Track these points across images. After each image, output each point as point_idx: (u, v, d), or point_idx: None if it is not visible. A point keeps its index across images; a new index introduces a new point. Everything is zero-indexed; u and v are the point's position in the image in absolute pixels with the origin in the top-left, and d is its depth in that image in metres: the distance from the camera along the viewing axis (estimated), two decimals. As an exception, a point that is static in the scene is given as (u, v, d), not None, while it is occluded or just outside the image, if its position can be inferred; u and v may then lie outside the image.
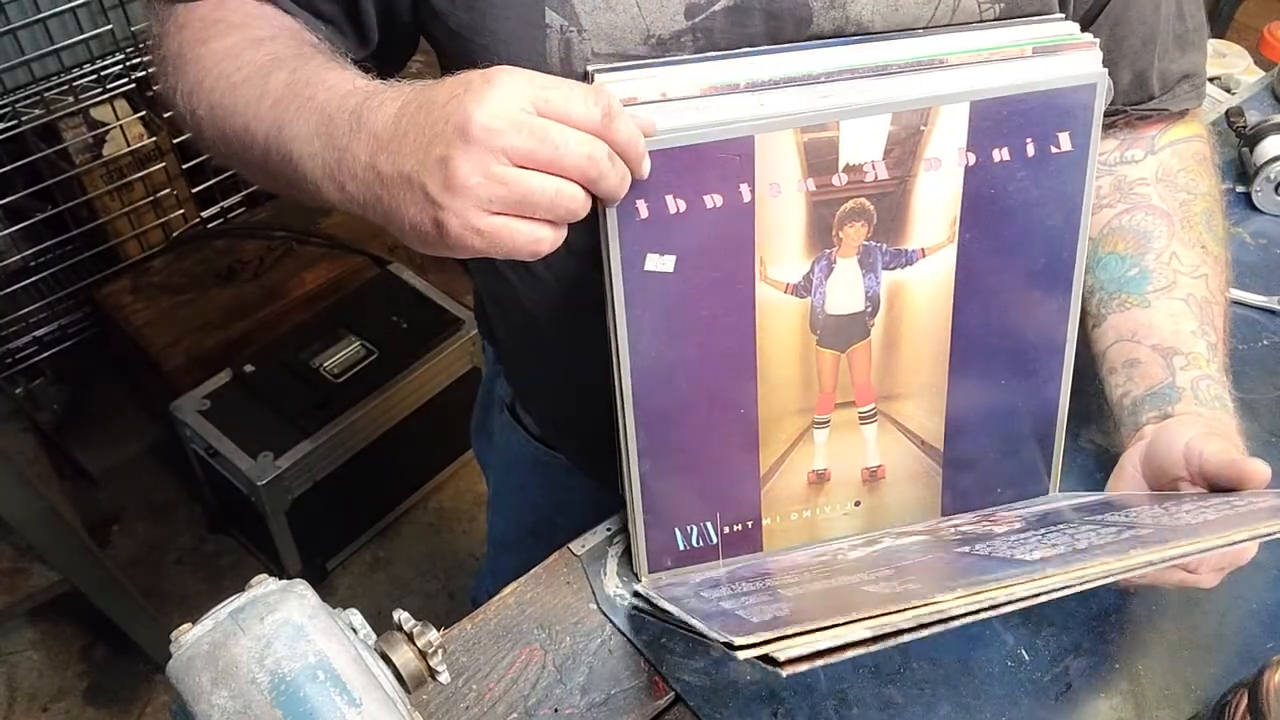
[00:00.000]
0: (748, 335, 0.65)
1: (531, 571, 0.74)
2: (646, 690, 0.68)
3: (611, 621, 0.71)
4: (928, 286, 0.67)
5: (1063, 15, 0.67)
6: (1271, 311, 0.94)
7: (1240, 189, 1.06)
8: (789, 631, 0.46)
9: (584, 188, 0.52)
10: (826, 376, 0.68)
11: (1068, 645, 0.71)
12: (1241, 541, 0.54)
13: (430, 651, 0.53)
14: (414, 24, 0.69)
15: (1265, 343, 0.91)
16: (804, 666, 0.45)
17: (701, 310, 0.64)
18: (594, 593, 0.72)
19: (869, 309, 0.66)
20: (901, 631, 0.47)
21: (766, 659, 0.46)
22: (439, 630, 0.54)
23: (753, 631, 0.47)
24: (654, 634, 0.70)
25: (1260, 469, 0.62)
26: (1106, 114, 0.75)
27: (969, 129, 0.62)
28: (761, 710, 0.67)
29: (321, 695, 0.46)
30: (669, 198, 0.60)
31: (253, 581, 0.51)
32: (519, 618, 0.72)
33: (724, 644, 0.48)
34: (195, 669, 0.47)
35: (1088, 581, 0.51)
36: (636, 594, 0.71)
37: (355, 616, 0.53)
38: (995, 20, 0.66)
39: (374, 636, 0.53)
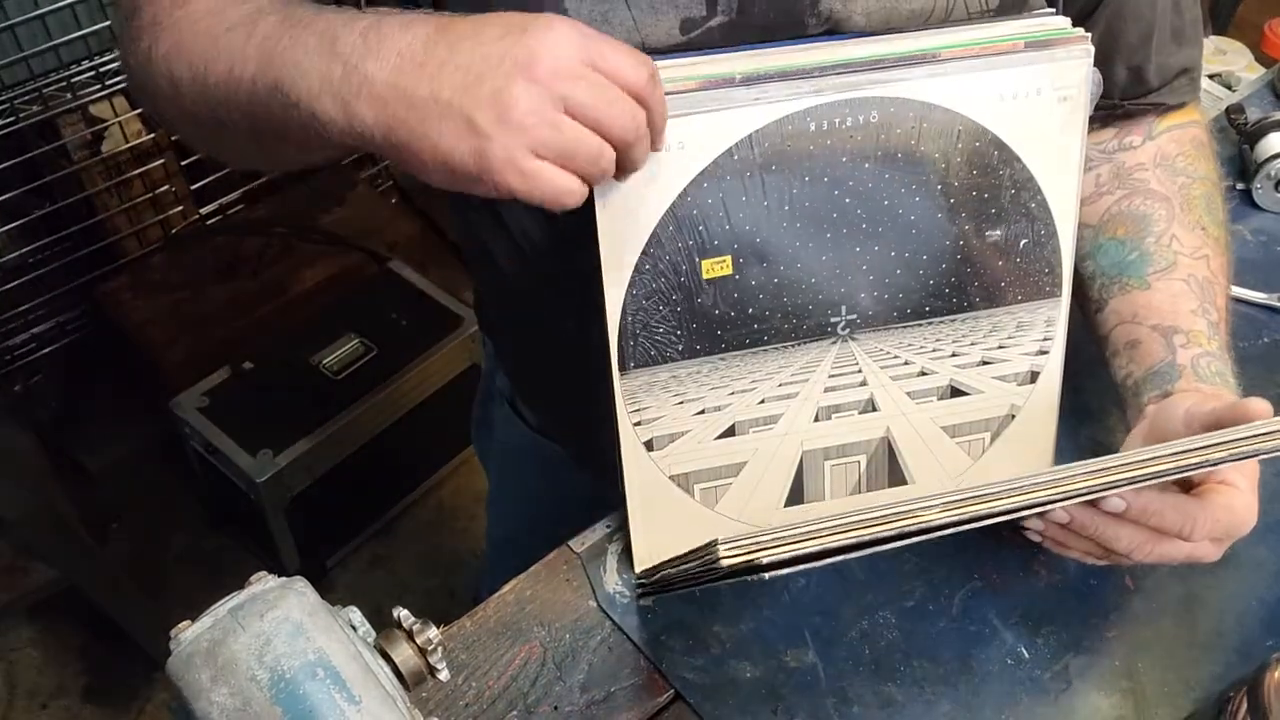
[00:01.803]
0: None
1: (531, 569, 0.74)
2: (646, 687, 0.68)
3: (611, 619, 0.71)
4: None
5: (1054, 10, 0.68)
6: (1272, 309, 0.94)
7: (1240, 186, 1.06)
8: (771, 536, 0.47)
9: (618, 151, 0.53)
10: None
11: (1067, 643, 0.71)
12: (1221, 457, 0.53)
13: (430, 649, 0.53)
14: None
15: (1266, 340, 0.91)
16: (785, 570, 0.46)
17: None
18: (594, 590, 0.72)
19: None
20: (882, 540, 0.47)
21: (749, 565, 0.46)
22: (438, 627, 0.54)
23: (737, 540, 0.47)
24: (654, 631, 0.70)
25: (1262, 403, 0.61)
26: (1103, 107, 0.75)
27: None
28: (761, 707, 0.67)
29: (321, 692, 0.46)
30: None
31: (252, 579, 0.51)
32: (519, 615, 0.71)
33: (707, 554, 0.48)
34: (194, 666, 0.47)
35: (1072, 495, 0.50)
36: (639, 583, 0.71)
37: (355, 614, 0.53)
38: (988, 18, 0.66)
39: (373, 634, 0.53)
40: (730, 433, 0.69)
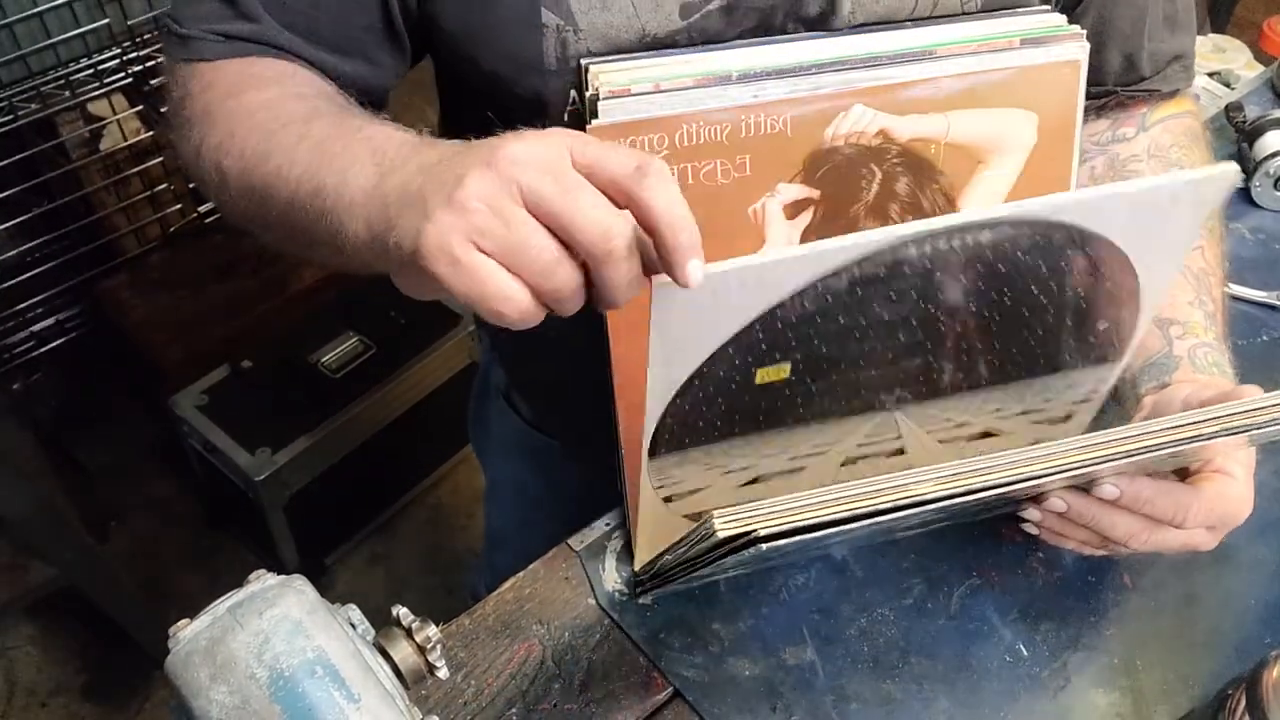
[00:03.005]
0: None
1: (530, 567, 0.74)
2: (645, 685, 0.68)
3: (610, 617, 0.71)
4: None
5: (1047, 6, 0.68)
6: (1270, 306, 0.94)
7: (1239, 184, 1.06)
8: (767, 510, 0.46)
9: (589, 266, 0.46)
10: None
11: (1066, 641, 0.71)
12: (1213, 431, 0.52)
13: (429, 647, 0.53)
14: (415, 26, 0.68)
15: (1264, 338, 0.91)
16: (781, 542, 0.46)
17: None
18: (593, 588, 0.72)
19: None
20: (879, 513, 0.47)
21: (745, 539, 0.46)
22: (438, 626, 0.54)
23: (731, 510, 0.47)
24: (653, 629, 0.70)
25: (1257, 390, 0.61)
26: (1096, 95, 0.75)
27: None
28: (760, 705, 0.67)
29: (320, 691, 0.46)
30: None
31: (251, 577, 0.51)
32: (518, 613, 0.71)
33: (705, 531, 0.48)
34: (193, 664, 0.47)
35: (1065, 471, 0.50)
36: (638, 579, 0.71)
37: (354, 612, 0.53)
38: (978, 11, 0.66)
39: (372, 632, 0.53)
40: (754, 482, 0.65)
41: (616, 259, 0.44)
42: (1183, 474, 0.63)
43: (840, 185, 0.65)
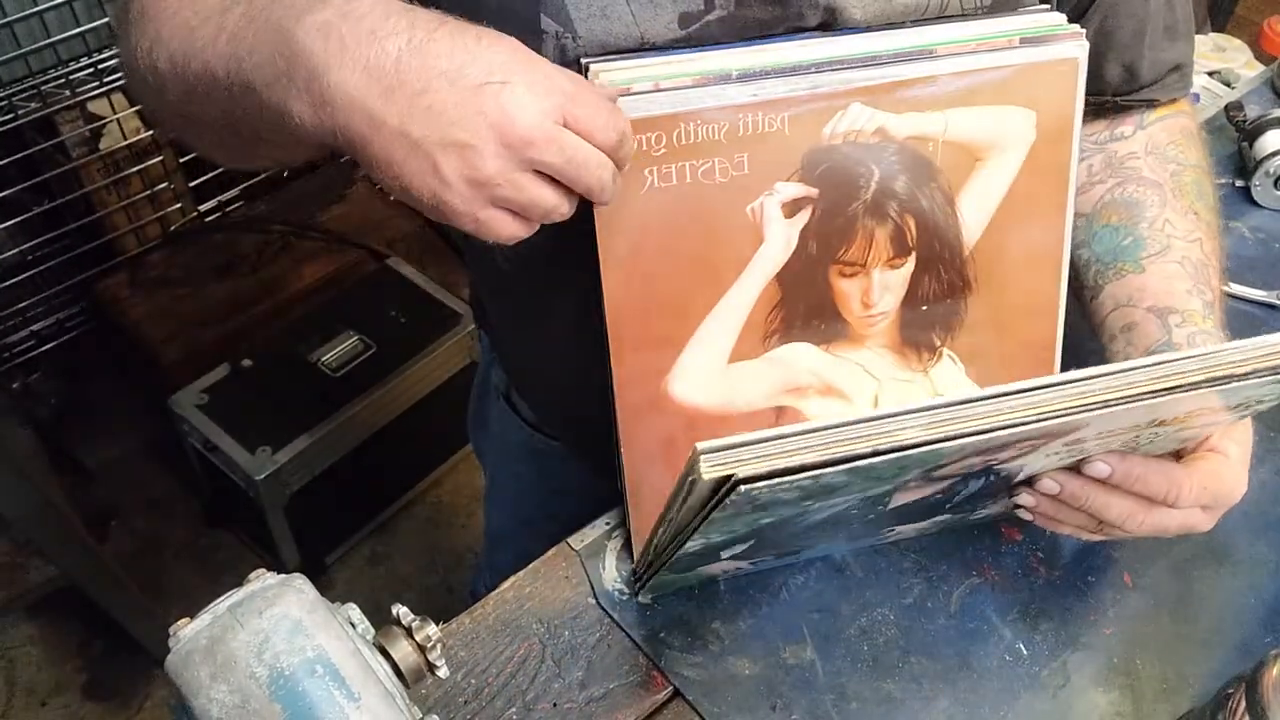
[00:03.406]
0: None
1: (530, 566, 0.74)
2: (645, 685, 0.68)
3: (610, 616, 0.71)
4: None
5: (1049, 6, 0.68)
6: (1271, 306, 0.94)
7: (1240, 184, 1.06)
8: (751, 445, 0.46)
9: (584, 196, 0.55)
10: None
11: (1066, 640, 0.71)
12: (1195, 368, 0.51)
13: (429, 646, 0.53)
14: None
15: (1264, 337, 0.91)
16: (761, 484, 0.46)
17: None
18: (593, 587, 0.72)
19: None
20: (858, 456, 0.47)
21: (728, 482, 0.46)
22: (438, 625, 0.54)
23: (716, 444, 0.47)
24: (652, 629, 0.70)
25: None
26: (1095, 103, 0.75)
27: None
28: (760, 704, 0.67)
29: (320, 690, 0.46)
30: None
31: (251, 576, 0.51)
32: (518, 612, 0.71)
33: (689, 470, 0.48)
34: (194, 663, 0.47)
35: (1050, 416, 0.49)
36: (635, 574, 0.71)
37: (354, 611, 0.53)
38: (977, 10, 0.66)
39: (372, 631, 0.53)
40: None
41: (608, 190, 0.55)
42: (1178, 457, 0.63)
43: (838, 183, 0.65)
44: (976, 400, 0.49)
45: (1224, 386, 0.51)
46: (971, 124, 0.66)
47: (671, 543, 0.59)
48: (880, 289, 0.69)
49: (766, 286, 0.67)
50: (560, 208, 0.54)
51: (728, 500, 0.48)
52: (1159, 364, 0.51)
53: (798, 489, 0.49)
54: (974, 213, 0.69)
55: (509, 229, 0.53)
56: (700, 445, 0.46)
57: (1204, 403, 0.54)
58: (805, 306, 0.68)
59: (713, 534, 0.56)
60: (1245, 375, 0.51)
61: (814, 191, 0.65)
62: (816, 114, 0.63)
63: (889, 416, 0.48)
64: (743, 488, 0.46)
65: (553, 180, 0.52)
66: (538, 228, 0.55)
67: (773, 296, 0.67)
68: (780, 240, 0.66)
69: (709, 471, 0.46)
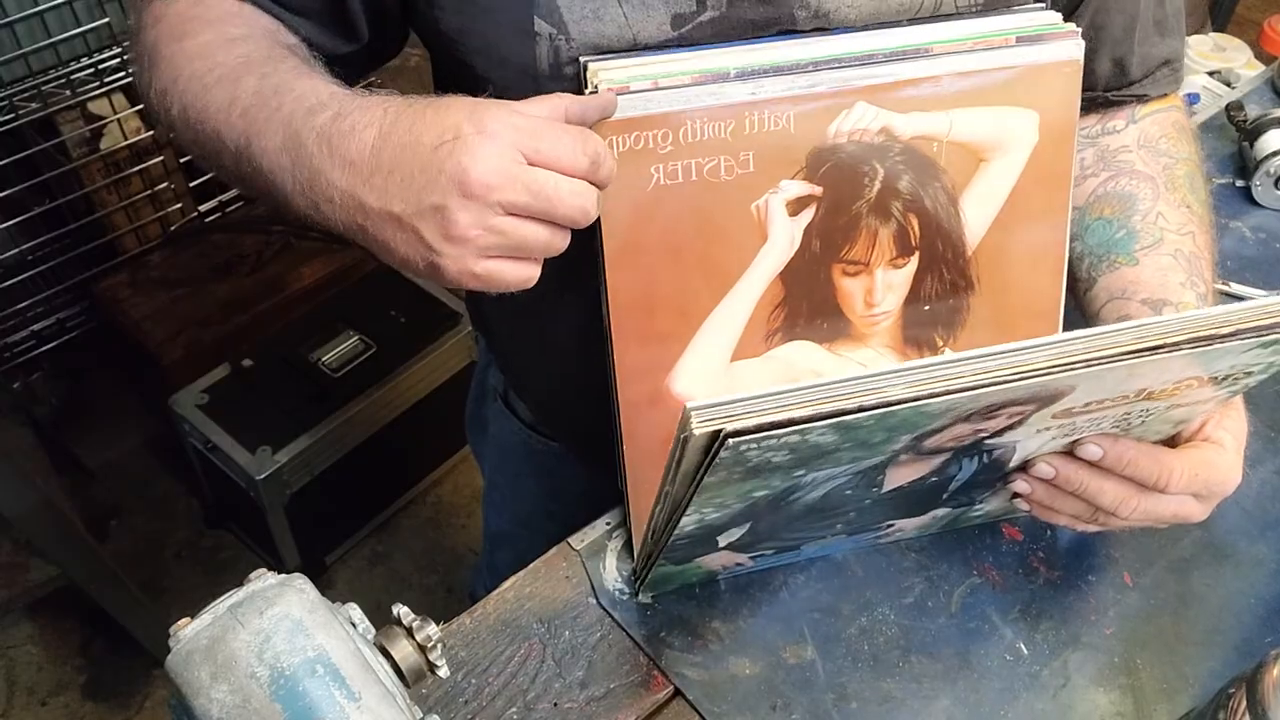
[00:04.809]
0: None
1: (530, 566, 0.74)
2: (645, 684, 0.68)
3: (611, 616, 0.71)
4: None
5: (1044, 5, 0.68)
6: (1271, 306, 0.94)
7: (1240, 183, 1.06)
8: (741, 404, 0.47)
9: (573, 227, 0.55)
10: None
11: (1066, 639, 0.71)
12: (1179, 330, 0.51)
13: (429, 646, 0.53)
14: (403, 21, 0.68)
15: (1264, 337, 0.91)
16: (750, 438, 0.47)
17: None
18: (593, 587, 0.72)
19: None
20: (844, 411, 0.48)
21: (717, 439, 0.47)
22: (438, 625, 0.54)
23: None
24: (653, 628, 0.70)
25: None
26: (1086, 98, 0.76)
27: None
28: (760, 704, 0.67)
29: (320, 689, 0.46)
30: None
31: (251, 576, 0.51)
32: (518, 612, 0.71)
33: (682, 431, 0.48)
34: (194, 663, 0.47)
35: (1031, 374, 0.49)
36: (635, 574, 0.71)
37: (354, 611, 0.53)
38: (972, 10, 0.67)
39: (373, 631, 0.53)
40: None
41: (591, 215, 0.55)
42: (1173, 445, 0.64)
43: (843, 182, 0.65)
44: (961, 360, 0.49)
45: (1207, 348, 0.51)
46: (976, 124, 0.66)
47: (669, 522, 0.59)
48: (883, 288, 0.69)
49: (770, 285, 0.67)
50: (554, 242, 0.54)
51: (719, 459, 0.48)
52: (1142, 325, 0.51)
53: (787, 448, 0.50)
54: (977, 213, 0.69)
55: (513, 274, 0.54)
56: (690, 404, 0.47)
57: (1190, 370, 0.54)
58: (808, 305, 0.68)
59: (707, 509, 0.56)
60: (1228, 336, 0.51)
61: (818, 190, 0.65)
62: (822, 112, 0.63)
63: (875, 375, 0.48)
64: (732, 441, 0.47)
65: (535, 217, 0.53)
66: (543, 265, 0.56)
67: (776, 295, 0.67)
68: (784, 238, 0.66)
69: (700, 427, 0.47)
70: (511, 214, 0.52)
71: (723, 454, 0.48)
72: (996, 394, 0.50)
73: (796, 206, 0.65)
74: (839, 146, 0.64)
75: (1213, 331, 0.51)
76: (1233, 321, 0.51)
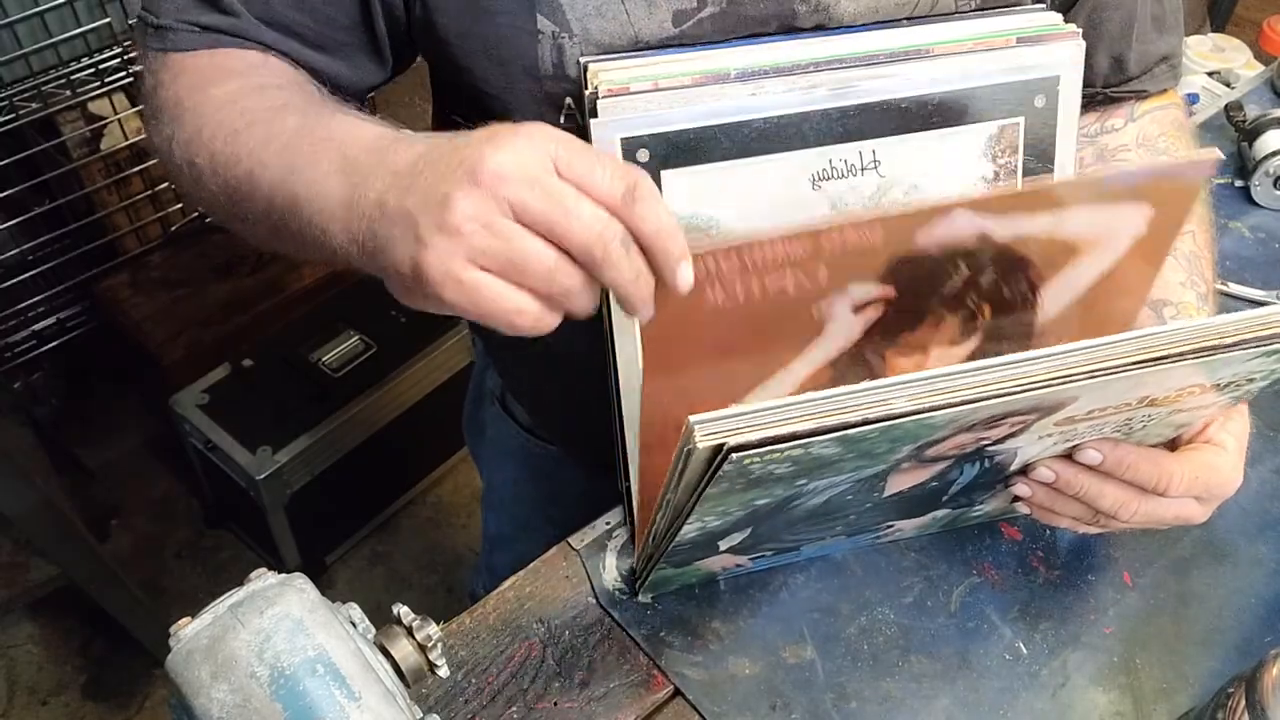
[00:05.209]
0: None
1: (530, 565, 0.74)
2: (645, 684, 0.68)
3: (611, 615, 0.71)
4: None
5: (1043, 4, 0.68)
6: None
7: (1239, 183, 1.06)
8: (747, 417, 0.46)
9: (589, 272, 0.47)
10: None
11: (1065, 639, 0.71)
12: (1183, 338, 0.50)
13: (430, 645, 0.53)
14: (408, 33, 0.68)
15: (1264, 337, 0.91)
16: (751, 451, 0.46)
17: None
18: (593, 587, 0.73)
19: None
20: (848, 425, 0.47)
21: (720, 452, 0.46)
22: (438, 624, 0.54)
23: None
24: (653, 628, 0.70)
25: None
26: (1085, 95, 0.75)
27: None
28: (760, 704, 0.67)
29: (321, 689, 0.46)
30: None
31: (251, 576, 0.51)
32: (518, 612, 0.72)
33: (685, 443, 0.47)
34: (194, 663, 0.47)
35: (1035, 386, 0.49)
36: (633, 570, 0.71)
37: (354, 610, 0.53)
38: (975, 11, 0.66)
39: (373, 630, 0.53)
40: None
41: (615, 260, 0.46)
42: (1173, 447, 0.63)
43: (919, 281, 0.59)
44: (965, 372, 0.49)
45: (1211, 358, 0.51)
46: (1084, 222, 0.60)
47: (670, 528, 0.59)
48: (936, 363, 0.60)
49: (817, 369, 0.61)
50: (559, 275, 0.46)
51: (721, 471, 0.48)
52: (1145, 335, 0.50)
53: (790, 460, 0.49)
54: (1056, 299, 0.63)
55: (499, 296, 0.46)
56: (694, 417, 0.46)
57: (1193, 378, 0.54)
58: (852, 377, 0.61)
59: (709, 517, 0.56)
60: (1232, 346, 0.50)
61: (890, 292, 0.59)
62: (913, 219, 0.56)
63: (878, 388, 0.48)
64: (735, 455, 0.46)
65: (544, 235, 0.46)
66: (556, 318, 0.48)
67: (822, 377, 0.62)
68: (842, 335, 0.60)
69: (703, 440, 0.46)
70: (520, 221, 0.46)
71: (725, 467, 0.47)
72: (1000, 405, 0.50)
73: (863, 306, 0.59)
74: (925, 252, 0.57)
75: (1217, 341, 0.50)
76: (1237, 331, 0.51)
